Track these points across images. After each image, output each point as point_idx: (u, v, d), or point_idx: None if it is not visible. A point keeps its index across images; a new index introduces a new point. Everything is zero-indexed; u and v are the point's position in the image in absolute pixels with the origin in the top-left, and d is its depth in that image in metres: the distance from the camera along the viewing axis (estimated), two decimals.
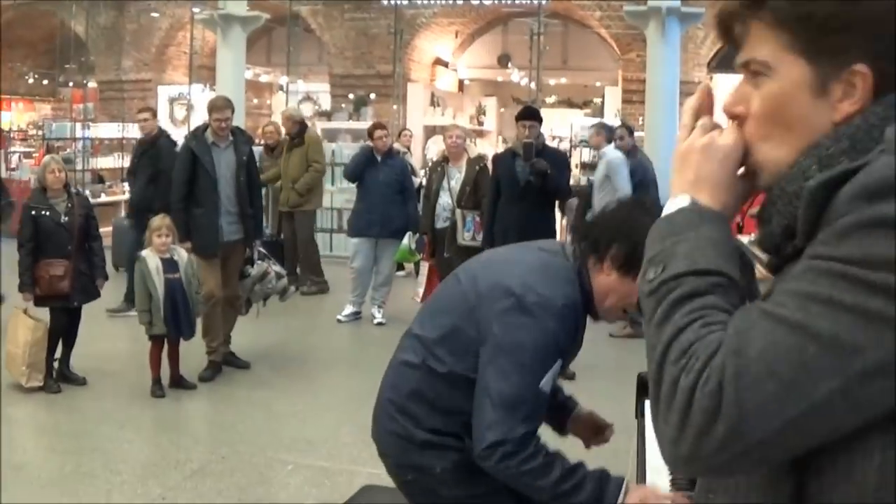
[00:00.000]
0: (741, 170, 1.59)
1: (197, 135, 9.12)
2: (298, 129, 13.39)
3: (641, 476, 3.19)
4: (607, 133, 12.19)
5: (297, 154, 13.26)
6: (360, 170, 11.66)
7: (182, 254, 8.42)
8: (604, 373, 8.68)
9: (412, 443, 3.36)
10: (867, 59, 1.42)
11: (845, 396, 1.22)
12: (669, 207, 1.58)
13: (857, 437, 1.26)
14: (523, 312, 3.16)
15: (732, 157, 1.57)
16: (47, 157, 9.07)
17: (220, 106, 9.00)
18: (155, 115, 12.31)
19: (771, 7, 1.50)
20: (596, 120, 21.06)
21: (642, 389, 3.93)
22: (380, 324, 11.49)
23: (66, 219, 8.37)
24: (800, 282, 1.29)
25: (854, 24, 1.42)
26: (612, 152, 11.05)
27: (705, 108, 1.67)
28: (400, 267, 13.98)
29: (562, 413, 3.76)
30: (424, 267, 11.94)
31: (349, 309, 11.83)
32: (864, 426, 1.25)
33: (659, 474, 3.15)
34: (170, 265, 8.25)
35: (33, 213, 8.30)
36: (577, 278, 3.28)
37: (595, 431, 3.76)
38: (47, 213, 8.31)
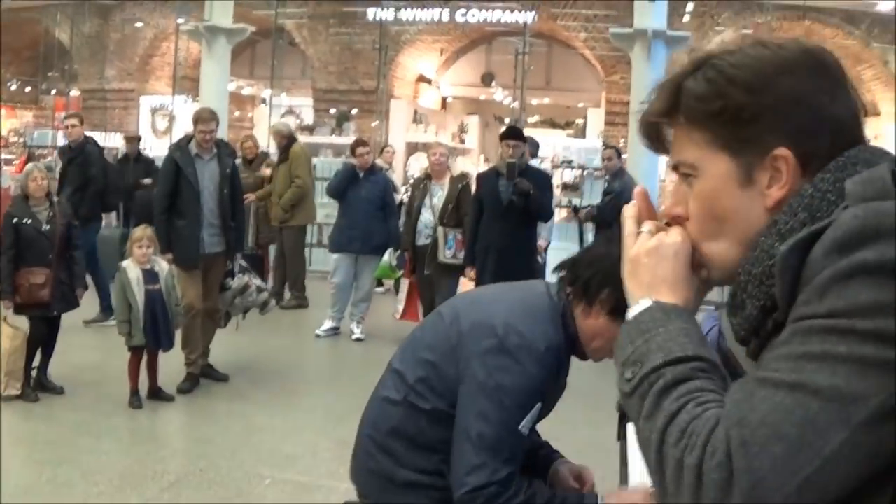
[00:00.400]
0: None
1: (181, 146, 9.08)
2: (286, 143, 13.42)
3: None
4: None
5: (283, 169, 13.28)
6: (342, 187, 11.68)
7: (163, 265, 8.40)
8: (582, 397, 8.67)
9: (392, 482, 3.29)
10: (786, 141, 1.45)
11: (855, 446, 1.22)
12: (631, 313, 1.58)
13: (873, 476, 1.25)
14: (505, 354, 3.11)
15: (682, 252, 1.58)
16: (30, 165, 9.03)
17: (206, 118, 8.98)
18: (82, 121, 12.23)
19: (684, 110, 1.54)
20: (578, 141, 21.19)
21: (625, 414, 3.95)
22: (358, 339, 11.48)
23: (48, 227, 8.35)
24: (790, 345, 1.28)
25: (765, 112, 1.45)
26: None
27: (644, 212, 1.69)
28: (379, 283, 13.98)
29: (542, 464, 3.60)
30: (405, 284, 11.94)
31: (328, 324, 11.82)
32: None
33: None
34: (150, 276, 8.22)
35: (14, 220, 8.27)
36: (562, 319, 3.23)
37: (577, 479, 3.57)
38: (29, 222, 8.28)
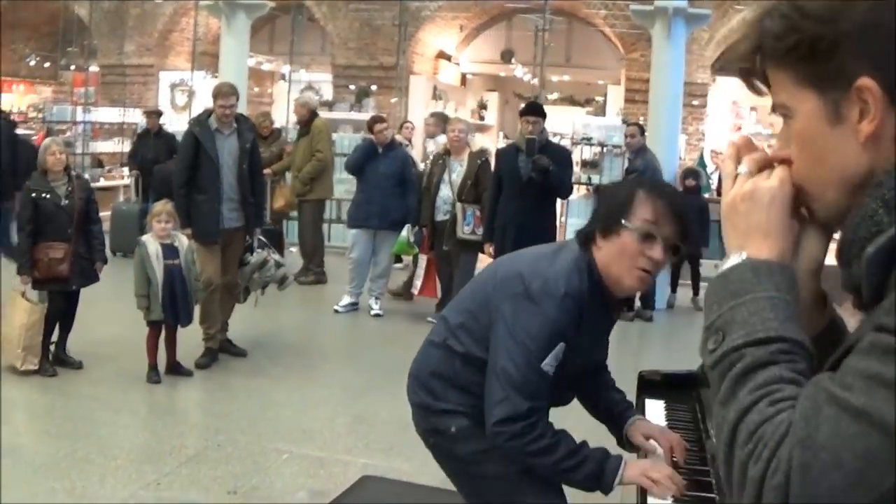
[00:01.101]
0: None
1: (201, 121, 9.07)
2: (308, 117, 13.40)
3: None
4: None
5: (304, 143, 13.28)
6: (361, 162, 11.67)
7: (183, 240, 8.40)
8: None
9: (430, 410, 3.65)
10: (870, 71, 1.36)
11: None
12: (723, 266, 1.54)
13: None
14: (528, 298, 3.33)
15: (779, 198, 1.52)
16: (48, 140, 9.04)
17: (226, 92, 8.96)
18: None
19: (767, 52, 1.49)
20: (598, 118, 21.09)
21: (643, 388, 3.92)
22: (377, 315, 11.49)
23: (67, 202, 8.34)
24: (868, 360, 1.22)
25: (842, 42, 1.38)
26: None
27: (745, 151, 1.62)
28: (398, 259, 13.97)
29: (617, 422, 3.63)
30: (423, 260, 11.94)
31: (346, 300, 11.83)
32: None
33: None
34: (170, 251, 8.23)
35: (33, 195, 8.27)
36: (588, 268, 3.39)
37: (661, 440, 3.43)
38: (48, 196, 8.28)
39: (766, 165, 1.57)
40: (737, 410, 1.35)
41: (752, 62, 1.54)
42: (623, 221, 3.30)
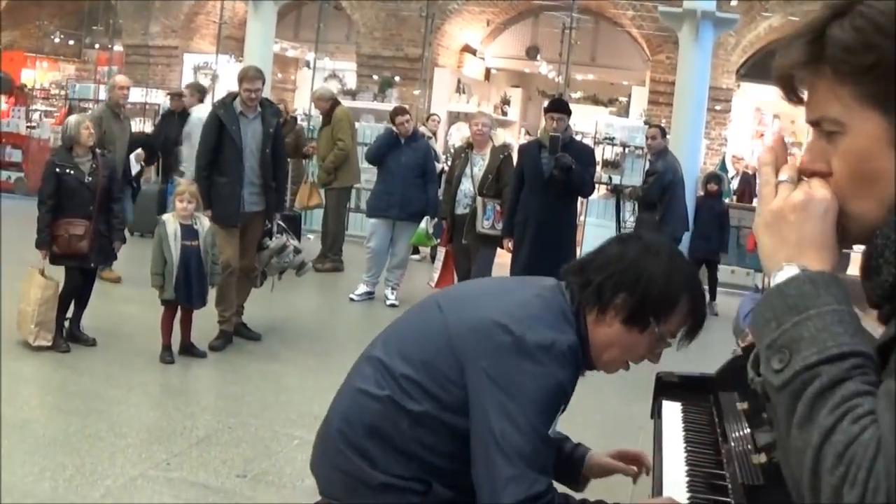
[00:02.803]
0: None
1: (225, 103, 9.06)
2: (329, 106, 13.44)
3: (658, 483, 3.13)
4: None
5: (326, 132, 13.32)
6: (381, 153, 11.68)
7: (204, 222, 8.39)
8: (615, 374, 8.68)
9: (367, 486, 2.91)
10: None
11: None
12: (776, 278, 1.47)
13: None
14: (524, 355, 2.77)
15: (832, 211, 1.48)
16: (79, 115, 9.04)
17: (252, 76, 8.95)
18: None
19: (831, 63, 1.43)
20: (621, 119, 21.06)
21: (660, 390, 3.91)
22: (392, 305, 11.49)
23: (90, 179, 8.35)
24: None
25: None
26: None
27: (782, 159, 1.56)
28: (415, 251, 13.98)
29: (574, 466, 3.37)
30: (441, 252, 11.94)
31: (362, 288, 11.85)
32: None
33: (674, 479, 3.12)
34: (189, 232, 8.22)
35: (57, 170, 8.28)
36: (575, 320, 2.93)
37: (620, 463, 3.37)
38: (72, 172, 8.29)
39: (800, 176, 1.53)
40: (819, 433, 1.29)
41: (803, 70, 1.49)
42: (654, 324, 2.92)
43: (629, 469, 3.33)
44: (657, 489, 3.03)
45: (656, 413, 3.76)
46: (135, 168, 10.99)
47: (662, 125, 14.39)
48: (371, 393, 2.95)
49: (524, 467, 2.69)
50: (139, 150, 11.24)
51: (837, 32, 1.41)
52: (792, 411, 1.35)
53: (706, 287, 13.15)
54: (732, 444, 3.05)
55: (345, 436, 2.95)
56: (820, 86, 1.46)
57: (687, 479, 3.08)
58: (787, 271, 1.46)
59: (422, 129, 13.32)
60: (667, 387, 3.94)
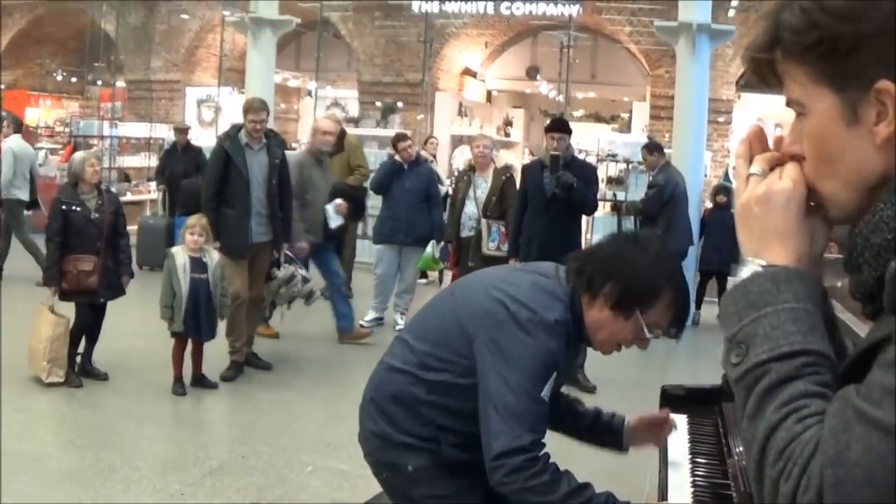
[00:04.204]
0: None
1: (231, 136, 9.11)
2: (339, 135, 13.43)
3: (663, 494, 3.19)
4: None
5: (338, 160, 13.28)
6: (387, 181, 11.67)
7: (214, 255, 8.45)
8: (623, 387, 8.70)
9: (392, 444, 3.45)
10: (889, 74, 1.33)
11: None
12: (743, 273, 1.52)
13: None
14: (518, 326, 3.21)
15: (794, 200, 1.50)
16: (84, 153, 9.09)
17: (257, 108, 9.02)
18: None
19: (783, 44, 1.45)
20: (623, 135, 21.09)
21: (666, 403, 3.94)
22: (401, 330, 11.47)
23: (97, 215, 8.41)
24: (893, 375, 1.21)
25: (864, 42, 1.35)
26: None
27: (758, 151, 1.59)
28: (423, 275, 13.99)
29: (614, 433, 3.70)
30: (449, 276, 11.96)
31: (372, 315, 11.86)
32: None
33: (680, 489, 3.16)
34: (198, 265, 8.28)
35: (63, 207, 8.34)
36: (570, 301, 3.31)
37: (654, 427, 3.66)
38: (78, 209, 8.35)
39: (778, 163, 1.55)
40: (765, 428, 1.35)
41: (767, 54, 1.51)
42: (638, 312, 3.25)
43: (667, 425, 3.63)
44: (663, 498, 3.09)
45: None
46: (334, 221, 10.57)
47: (657, 141, 14.43)
48: (396, 367, 3.50)
49: (513, 423, 3.12)
50: (339, 201, 10.85)
51: (787, 16, 1.43)
52: (745, 404, 1.40)
53: (715, 299, 13.27)
54: (737, 456, 3.08)
55: (375, 403, 3.53)
56: (784, 69, 1.49)
57: (692, 489, 3.12)
58: (751, 267, 1.51)
59: (422, 153, 13.32)
60: (672, 400, 3.97)
